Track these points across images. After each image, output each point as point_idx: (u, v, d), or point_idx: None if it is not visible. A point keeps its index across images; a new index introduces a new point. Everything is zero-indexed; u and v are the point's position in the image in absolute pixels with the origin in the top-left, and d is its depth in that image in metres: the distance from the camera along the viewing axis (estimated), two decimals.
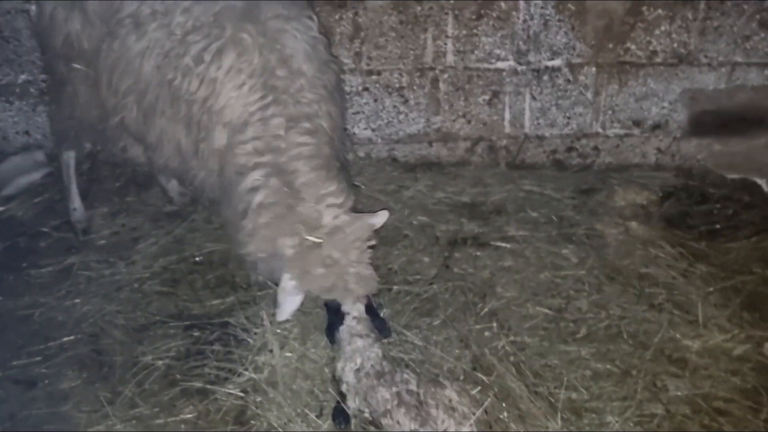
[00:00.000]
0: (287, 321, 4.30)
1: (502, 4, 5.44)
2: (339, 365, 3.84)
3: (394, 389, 3.63)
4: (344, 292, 3.87)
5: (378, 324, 4.00)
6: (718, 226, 5.27)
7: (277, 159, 3.93)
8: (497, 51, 5.57)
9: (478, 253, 5.01)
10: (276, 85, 4.03)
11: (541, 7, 5.43)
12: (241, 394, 4.02)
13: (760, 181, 5.55)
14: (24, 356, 4.36)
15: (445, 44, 5.56)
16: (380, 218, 3.99)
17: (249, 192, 3.93)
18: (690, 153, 5.78)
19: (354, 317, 3.92)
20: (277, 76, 4.04)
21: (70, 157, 5.25)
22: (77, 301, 4.72)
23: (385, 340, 4.06)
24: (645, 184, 5.70)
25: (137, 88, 4.26)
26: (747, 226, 5.22)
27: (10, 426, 3.96)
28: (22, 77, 5.90)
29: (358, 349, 3.81)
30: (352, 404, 3.77)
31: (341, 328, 3.90)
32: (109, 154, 5.44)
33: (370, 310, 4.00)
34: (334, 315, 3.95)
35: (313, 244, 3.77)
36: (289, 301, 3.85)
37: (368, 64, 5.63)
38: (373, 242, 3.95)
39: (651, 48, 5.53)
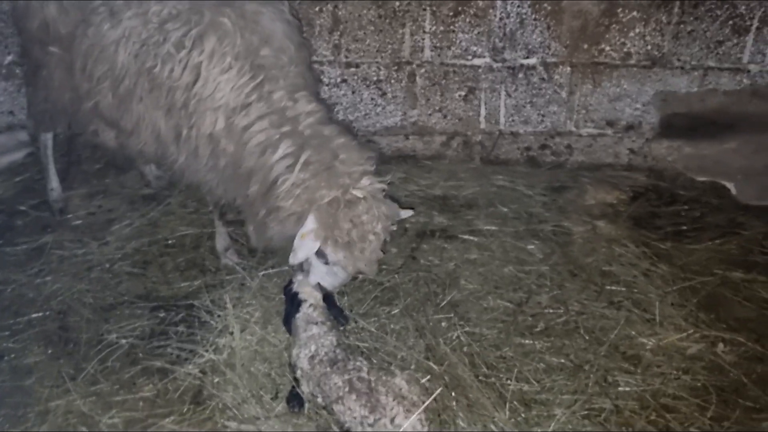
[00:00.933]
0: (249, 305, 4.40)
1: (479, 2, 5.52)
2: (294, 351, 3.92)
3: (346, 376, 3.71)
4: (351, 259, 3.94)
5: (335, 312, 4.08)
6: (684, 227, 5.34)
7: (297, 127, 4.02)
8: (474, 48, 5.64)
9: (446, 246, 5.09)
10: (263, 64, 4.11)
11: (518, 6, 5.50)
12: (200, 375, 4.11)
13: (729, 185, 5.62)
14: None
15: (423, 39, 5.63)
16: (406, 213, 4.20)
17: (284, 158, 3.98)
18: (660, 155, 5.85)
19: (310, 305, 3.99)
20: (262, 55, 4.14)
21: (47, 138, 5.35)
22: (48, 279, 4.82)
23: (342, 328, 4.15)
24: (616, 183, 5.79)
25: (112, 74, 4.33)
26: (712, 229, 5.29)
27: None
28: (8, 58, 5.99)
29: (313, 336, 3.88)
30: (306, 389, 3.85)
31: (298, 315, 3.98)
32: (85, 136, 5.49)
33: (328, 298, 4.08)
34: (291, 303, 4.03)
35: (352, 197, 3.87)
36: (305, 246, 3.91)
37: (347, 57, 5.70)
38: (394, 228, 4.07)
39: (625, 50, 5.60)
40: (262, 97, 4.07)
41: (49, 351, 4.32)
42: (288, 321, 4.03)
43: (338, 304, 4.21)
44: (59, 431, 3.83)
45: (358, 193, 3.90)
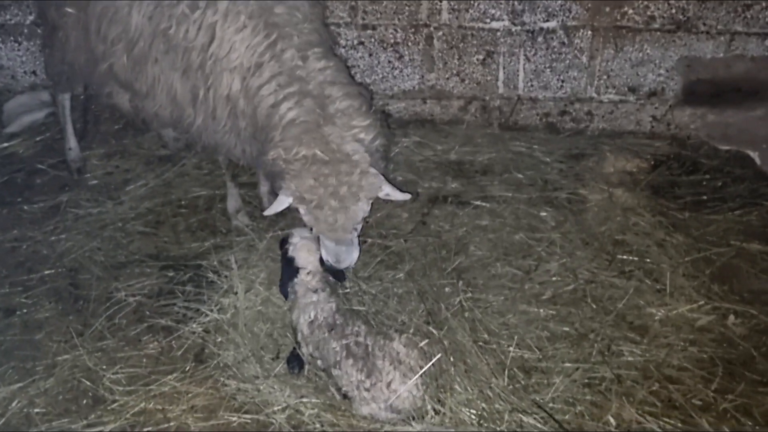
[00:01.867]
0: (255, 266, 4.42)
1: None
2: (294, 315, 3.94)
3: (344, 341, 3.72)
4: (315, 221, 3.83)
5: (332, 272, 4.08)
6: (704, 197, 5.22)
7: (304, 87, 3.97)
8: (492, 10, 5.54)
9: (457, 211, 5.06)
10: (276, 22, 4.07)
11: None
12: (204, 333, 4.17)
13: (753, 154, 5.47)
14: (7, 286, 4.58)
15: (440, 2, 5.54)
16: (394, 192, 3.94)
17: (282, 116, 3.93)
18: (683, 122, 5.70)
19: (308, 272, 3.99)
20: (276, 13, 4.09)
21: (65, 99, 5.40)
22: (62, 236, 4.92)
23: (339, 285, 4.18)
24: (637, 151, 5.68)
25: (126, 36, 4.32)
26: (733, 199, 5.17)
27: None
28: (30, 18, 6.05)
29: (313, 303, 3.90)
30: (306, 351, 3.88)
31: (295, 281, 3.98)
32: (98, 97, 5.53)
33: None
34: (288, 267, 4.03)
35: (320, 156, 3.75)
36: (278, 201, 3.86)
37: (363, 19, 5.64)
38: (369, 200, 3.89)
39: (649, 13, 5.45)
40: (275, 56, 4.03)
41: (60, 307, 4.43)
42: (284, 286, 4.04)
43: None
44: (65, 384, 3.93)
45: (325, 155, 3.77)
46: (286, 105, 3.92)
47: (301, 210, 3.86)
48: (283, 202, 3.84)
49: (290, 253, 4.04)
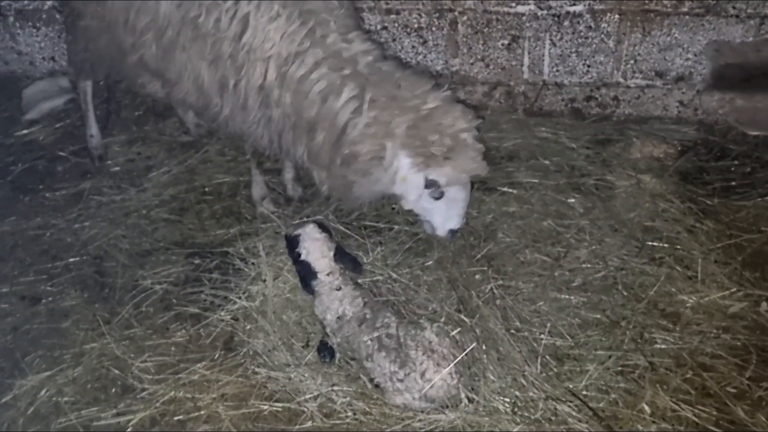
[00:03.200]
0: (282, 254, 4.38)
1: None
2: (318, 312, 3.92)
3: (375, 334, 3.69)
4: (459, 166, 3.88)
5: (347, 263, 4.04)
6: (733, 183, 5.15)
7: (356, 68, 3.97)
8: None
9: (484, 198, 5.00)
10: (311, 9, 4.04)
11: None
12: (232, 321, 4.14)
13: None
14: (32, 274, 4.57)
15: None
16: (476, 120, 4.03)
17: (349, 102, 3.93)
18: (711, 107, 5.62)
19: (328, 273, 3.95)
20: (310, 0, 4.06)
21: (87, 85, 5.35)
22: (86, 224, 4.90)
23: (373, 275, 4.14)
24: (664, 137, 5.59)
25: (155, 25, 4.27)
26: (762, 185, 5.08)
27: (13, 338, 4.15)
28: (48, 3, 6.01)
29: (338, 299, 3.87)
30: (336, 341, 3.85)
31: (316, 282, 3.95)
32: (129, 85, 5.46)
33: (339, 254, 4.03)
34: (301, 266, 3.99)
35: (426, 111, 3.86)
36: (410, 185, 3.95)
37: (387, 3, 5.57)
38: (479, 122, 4.00)
39: None
40: (316, 42, 3.99)
41: (85, 295, 4.41)
42: (306, 284, 4.00)
43: (349, 252, 4.19)
44: (93, 373, 3.92)
45: (430, 104, 3.87)
46: (347, 90, 3.92)
47: (436, 174, 3.89)
48: (418, 182, 3.93)
49: (303, 257, 3.99)
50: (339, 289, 3.90)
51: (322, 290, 3.92)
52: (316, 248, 4.00)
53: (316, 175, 4.23)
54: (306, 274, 3.97)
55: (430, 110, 3.88)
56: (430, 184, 3.93)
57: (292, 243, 4.07)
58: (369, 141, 3.91)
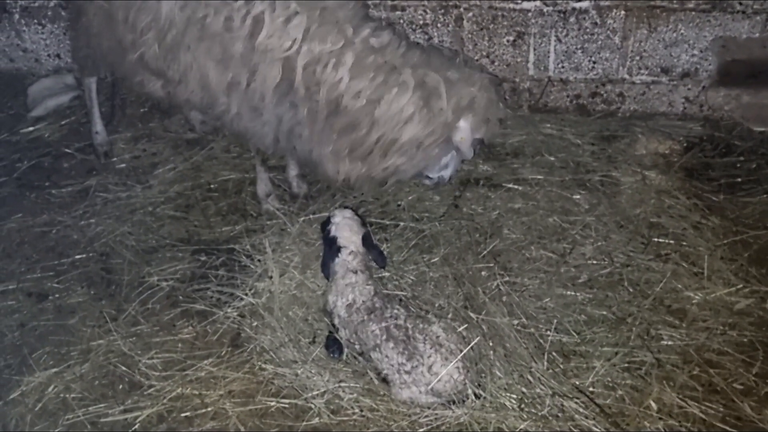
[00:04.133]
0: (288, 250, 4.39)
1: None
2: (330, 299, 3.91)
3: (383, 324, 3.70)
4: (495, 114, 4.32)
5: (374, 253, 4.08)
6: (739, 179, 5.13)
7: (396, 59, 4.08)
8: None
9: (489, 194, 5.00)
10: (328, 6, 4.04)
11: None
12: (239, 318, 4.15)
13: None
14: (38, 270, 4.58)
15: None
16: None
17: (398, 93, 4.04)
18: (717, 103, 5.60)
19: (350, 252, 3.97)
20: None
21: (91, 82, 5.36)
22: (92, 221, 4.90)
23: (381, 272, 4.14)
24: (669, 133, 5.58)
25: (156, 25, 4.23)
26: None
27: (20, 335, 4.16)
28: (54, 1, 5.99)
29: (351, 285, 3.87)
30: (344, 336, 3.86)
31: (336, 261, 3.96)
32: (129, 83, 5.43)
33: (367, 240, 4.06)
34: (330, 247, 4.00)
35: (476, 87, 4.21)
36: (465, 144, 4.28)
37: None
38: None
39: None
40: (349, 40, 4.00)
41: (92, 292, 4.42)
42: (326, 265, 4.01)
43: (376, 245, 4.21)
44: (100, 370, 3.93)
45: (476, 81, 4.22)
46: (403, 77, 4.04)
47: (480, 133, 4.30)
48: (467, 137, 4.26)
49: (333, 232, 4.02)
50: (355, 272, 3.90)
51: (339, 270, 3.93)
52: (346, 225, 4.06)
53: (333, 168, 4.28)
54: (329, 252, 4.00)
55: (480, 85, 4.20)
56: (476, 142, 4.32)
57: (325, 223, 4.15)
58: (433, 123, 4.12)
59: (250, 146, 4.85)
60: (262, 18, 3.98)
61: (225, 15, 4.04)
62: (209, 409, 3.70)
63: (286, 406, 3.69)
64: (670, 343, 3.96)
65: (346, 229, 4.04)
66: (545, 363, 3.78)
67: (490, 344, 3.80)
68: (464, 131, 4.22)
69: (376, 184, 4.47)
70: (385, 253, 4.31)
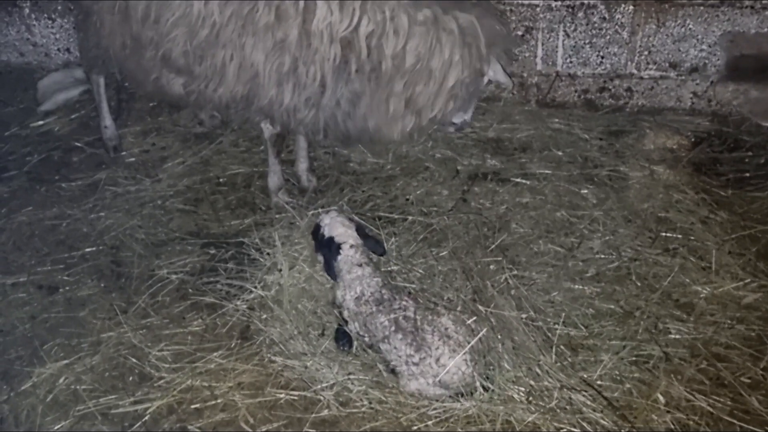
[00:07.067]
0: (298, 244, 4.40)
1: None
2: (339, 293, 3.93)
3: (392, 315, 3.71)
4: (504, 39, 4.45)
5: (370, 243, 4.08)
6: (747, 174, 5.15)
7: (437, 14, 4.12)
8: None
9: (498, 189, 5.02)
10: None
11: None
12: (248, 311, 4.17)
13: None
14: (48, 263, 4.59)
15: None
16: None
17: (449, 38, 4.12)
18: (725, 98, 5.61)
19: (351, 245, 3.98)
20: None
21: (99, 78, 5.37)
22: (102, 214, 4.93)
23: (389, 265, 4.15)
24: (677, 128, 5.59)
25: (187, 21, 4.14)
26: None
27: (31, 327, 4.19)
28: None
29: (358, 278, 3.88)
30: (353, 328, 3.87)
31: (339, 259, 3.97)
32: (135, 84, 5.28)
33: (361, 231, 4.09)
34: (329, 249, 4.01)
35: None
36: (499, 69, 4.44)
37: None
38: None
39: None
40: (395, 9, 4.01)
41: (102, 284, 4.44)
42: (330, 267, 4.02)
43: (371, 234, 4.24)
44: (110, 361, 3.95)
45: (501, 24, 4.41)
46: (440, 28, 4.11)
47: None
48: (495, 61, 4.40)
49: (327, 234, 4.03)
50: (360, 265, 3.92)
51: (344, 267, 3.94)
52: (336, 223, 4.07)
53: (392, 130, 4.37)
54: (329, 254, 4.01)
55: (495, 18, 4.37)
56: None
57: (316, 230, 4.15)
58: (474, 63, 4.23)
59: (267, 138, 4.80)
60: (314, 2, 3.96)
61: (275, 6, 3.99)
62: (219, 400, 3.71)
63: (295, 398, 3.70)
64: (677, 336, 3.96)
65: (338, 226, 4.04)
66: (553, 356, 3.79)
67: (499, 337, 3.81)
68: (496, 63, 4.36)
69: (424, 132, 4.81)
70: (393, 246, 4.33)
